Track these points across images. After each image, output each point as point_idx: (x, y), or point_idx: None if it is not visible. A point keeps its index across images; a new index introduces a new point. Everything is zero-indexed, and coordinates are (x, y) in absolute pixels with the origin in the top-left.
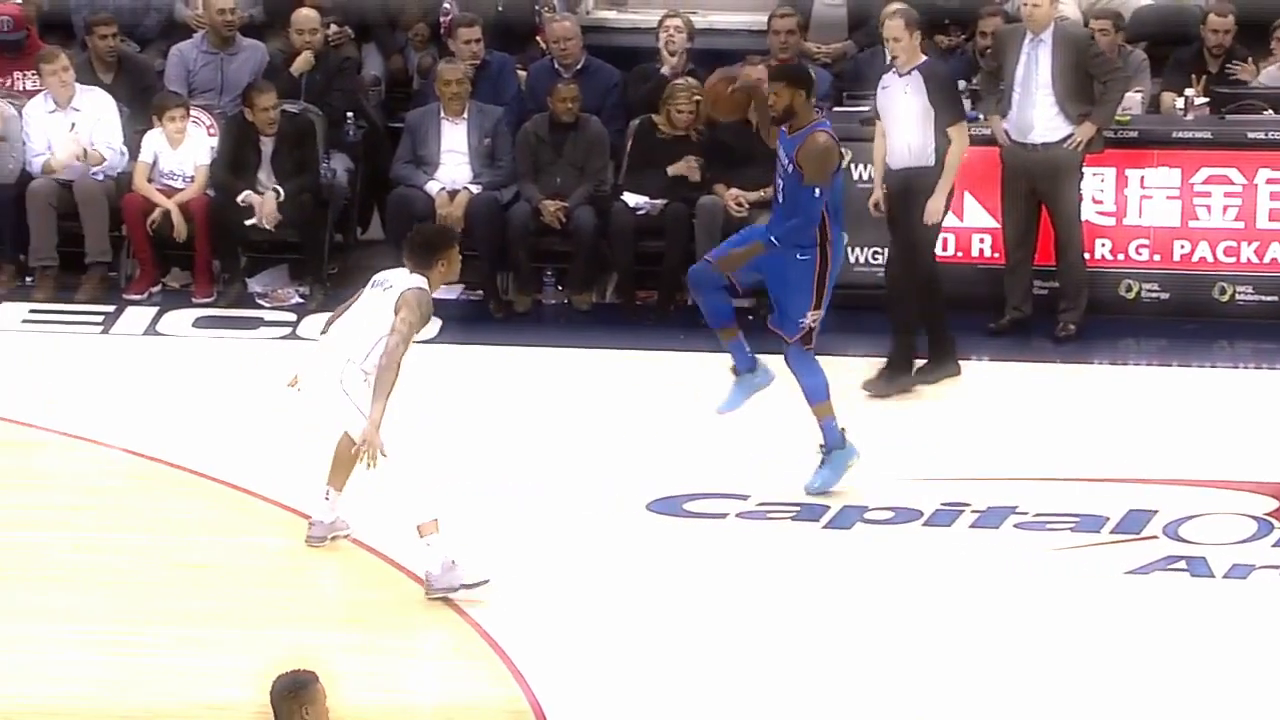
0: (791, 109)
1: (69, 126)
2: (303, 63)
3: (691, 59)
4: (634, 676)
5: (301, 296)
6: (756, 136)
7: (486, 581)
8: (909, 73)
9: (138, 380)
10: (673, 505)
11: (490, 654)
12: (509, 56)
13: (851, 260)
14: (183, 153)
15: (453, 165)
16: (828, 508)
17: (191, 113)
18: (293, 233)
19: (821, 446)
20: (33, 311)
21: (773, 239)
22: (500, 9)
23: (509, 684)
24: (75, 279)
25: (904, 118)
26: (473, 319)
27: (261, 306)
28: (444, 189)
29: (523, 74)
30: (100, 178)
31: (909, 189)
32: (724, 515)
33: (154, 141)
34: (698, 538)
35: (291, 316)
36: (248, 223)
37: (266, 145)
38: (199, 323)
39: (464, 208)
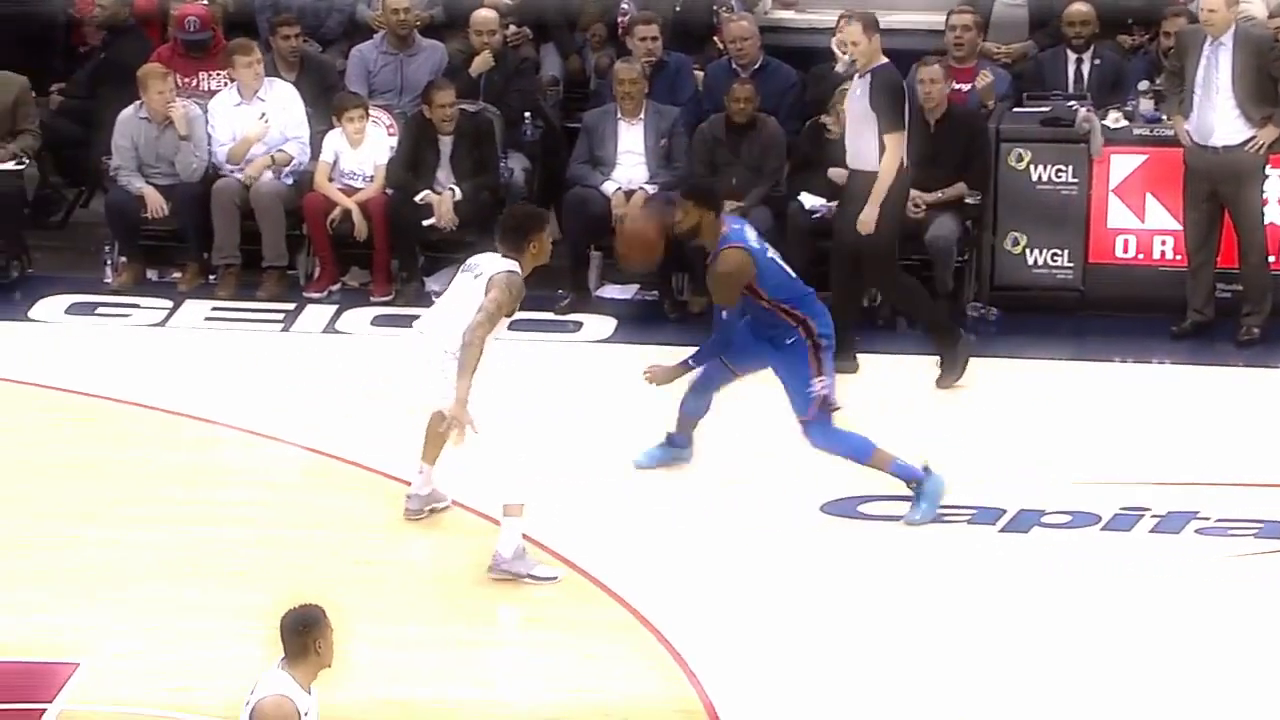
0: (697, 228)
1: (258, 116)
2: (481, 63)
3: None
4: (806, 680)
5: None
6: (933, 135)
7: (556, 579)
8: (864, 75)
9: (317, 377)
10: (847, 507)
11: (663, 654)
12: (686, 57)
13: (1030, 262)
14: (362, 152)
15: (629, 165)
16: (1004, 511)
17: (371, 113)
18: (470, 232)
19: (910, 484)
20: (215, 309)
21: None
22: (678, 9)
23: (682, 684)
24: (257, 277)
25: (854, 120)
26: (647, 318)
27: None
28: (620, 189)
29: (700, 74)
30: (290, 180)
31: (853, 193)
32: (899, 518)
33: (334, 141)
34: (872, 540)
35: None
36: (425, 223)
37: (445, 144)
38: (377, 321)
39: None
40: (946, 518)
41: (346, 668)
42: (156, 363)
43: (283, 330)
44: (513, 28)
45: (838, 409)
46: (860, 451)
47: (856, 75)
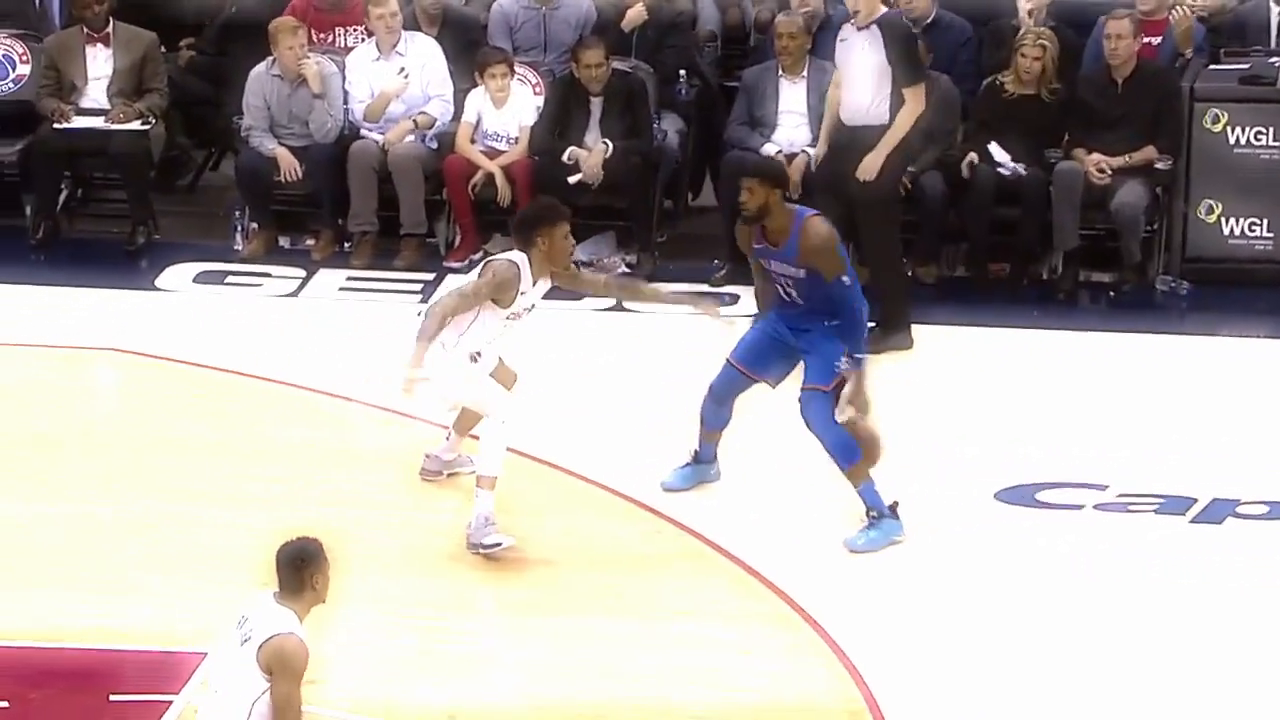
0: (766, 208)
1: (397, 71)
2: (634, 17)
3: (1052, 15)
4: (977, 677)
5: (629, 266)
6: (1121, 95)
7: (500, 545)
8: (868, 27)
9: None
10: (1024, 495)
11: (827, 652)
12: None
13: (1225, 232)
14: (507, 113)
15: (790, 127)
16: (1194, 500)
17: (517, 70)
18: (620, 198)
19: (869, 512)
20: (350, 279)
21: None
22: None
23: (846, 683)
24: (395, 245)
25: (861, 74)
26: None
27: None
28: (781, 151)
29: None
30: (432, 144)
31: (857, 148)
32: (1080, 506)
33: (477, 101)
34: (1051, 530)
35: None
36: (572, 180)
37: (595, 106)
38: None
39: (801, 172)
40: (1132, 507)
41: (491, 663)
42: (288, 335)
43: (422, 301)
44: None
45: (769, 382)
46: (847, 453)
47: (855, 27)
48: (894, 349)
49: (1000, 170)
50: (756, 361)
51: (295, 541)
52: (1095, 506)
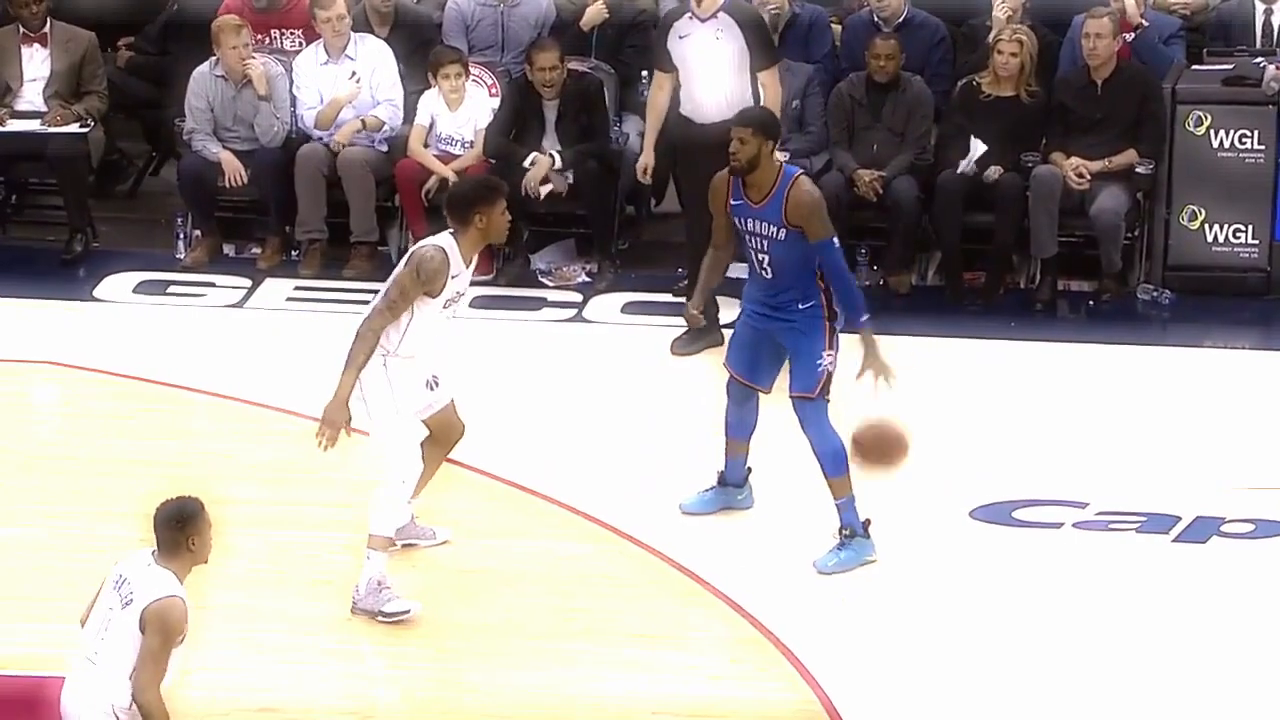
0: (756, 160)
1: (347, 76)
2: (594, 15)
3: (1029, 15)
4: (951, 700)
5: (589, 275)
6: (1099, 99)
7: (408, 613)
8: (713, 16)
9: None
10: (1000, 512)
11: (795, 675)
12: (822, 10)
13: (1209, 239)
14: (461, 115)
15: None
16: (1178, 519)
17: (472, 71)
18: (579, 204)
19: (841, 530)
20: (298, 288)
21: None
22: None
23: (815, 707)
24: (345, 253)
25: (717, 66)
26: None
27: (545, 286)
28: None
29: (838, 29)
30: (384, 148)
31: (710, 147)
32: (1059, 525)
33: (431, 103)
34: (1028, 549)
35: (578, 297)
36: (541, 191)
37: (550, 109)
38: (477, 302)
39: None
40: (1113, 525)
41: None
42: (234, 348)
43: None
44: None
45: (830, 399)
46: (836, 462)
47: (698, 19)
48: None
49: (967, 171)
50: (749, 368)
51: (174, 501)
52: (1075, 525)
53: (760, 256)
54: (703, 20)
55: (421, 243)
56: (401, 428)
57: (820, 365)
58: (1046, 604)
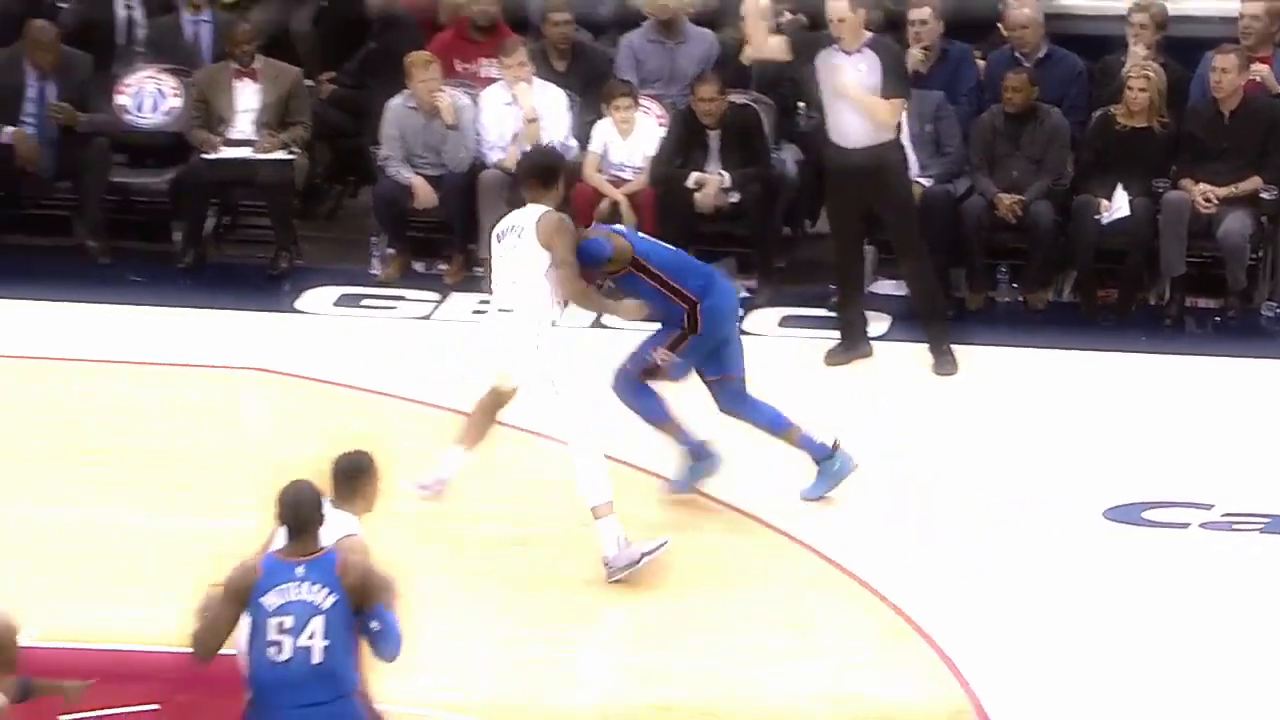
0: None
1: (526, 117)
2: (752, 53)
3: (1161, 51)
4: (1085, 692)
5: (749, 291)
6: (1228, 129)
7: (665, 543)
8: (859, 51)
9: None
10: (1131, 513)
11: (939, 664)
12: (968, 46)
13: None
14: (631, 143)
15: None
16: None
17: (641, 102)
18: (740, 225)
19: (816, 460)
20: (482, 302)
21: None
22: None
23: (957, 695)
24: None
25: (863, 90)
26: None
27: None
28: None
29: (982, 64)
30: None
31: (884, 164)
32: (1185, 525)
33: (603, 132)
34: (1157, 548)
35: (739, 311)
36: (696, 196)
37: (713, 138)
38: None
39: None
40: (1238, 525)
41: (620, 671)
42: (423, 356)
43: (551, 325)
44: (787, 15)
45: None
46: (776, 423)
47: (844, 52)
48: (941, 373)
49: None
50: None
51: (350, 453)
52: (1201, 525)
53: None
54: (848, 54)
55: (531, 218)
56: (580, 393)
57: (648, 358)
58: (1176, 601)
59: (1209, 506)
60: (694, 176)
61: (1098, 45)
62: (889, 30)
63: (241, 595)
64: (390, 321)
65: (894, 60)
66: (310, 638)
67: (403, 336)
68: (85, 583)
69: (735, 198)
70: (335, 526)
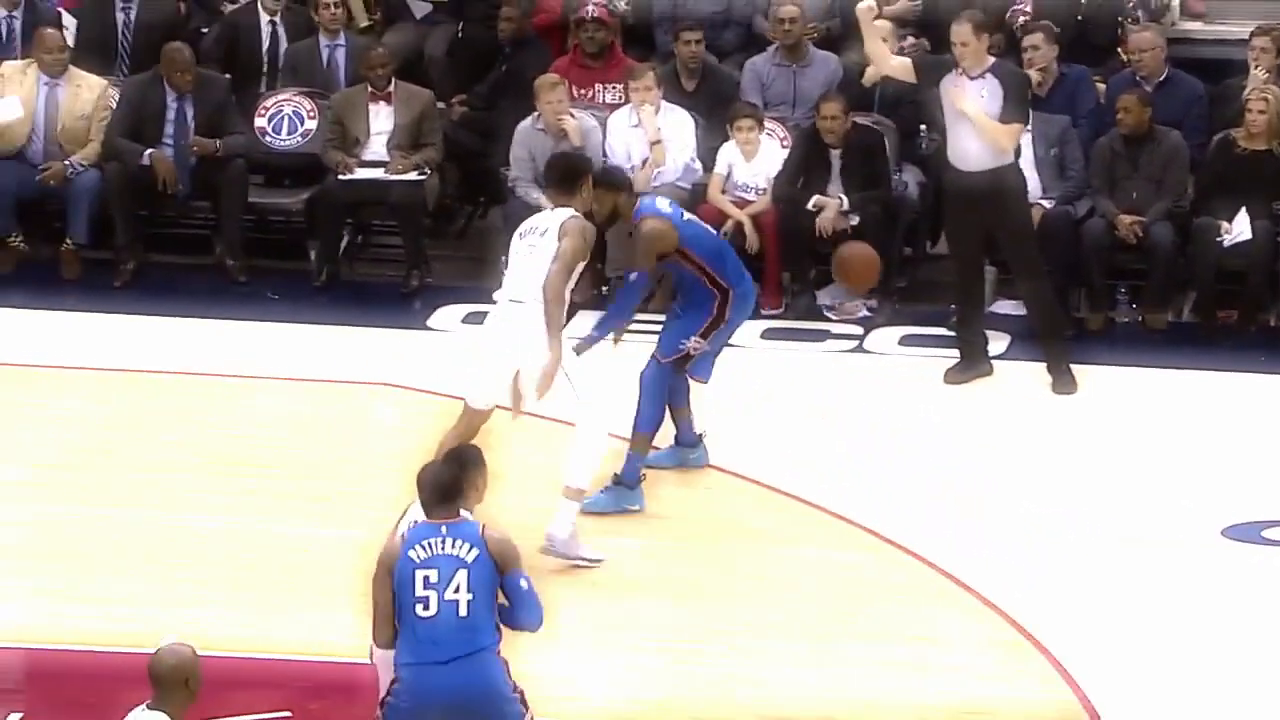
0: (616, 212)
1: (652, 140)
2: (873, 73)
3: None
4: (1205, 710)
5: (869, 310)
6: None
7: (601, 561)
8: (981, 75)
9: (707, 390)
10: (1251, 532)
11: (1060, 681)
12: (1085, 69)
13: None
14: (755, 164)
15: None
16: None
17: (765, 125)
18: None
19: (616, 475)
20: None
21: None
22: (1080, 18)
23: (1078, 712)
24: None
25: (986, 115)
26: None
27: (829, 319)
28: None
29: (1102, 87)
30: (686, 186)
31: (1003, 187)
32: None
33: (728, 153)
34: (1276, 566)
35: (859, 330)
36: (817, 219)
37: (835, 158)
38: (767, 334)
39: (1036, 223)
40: None
41: (740, 681)
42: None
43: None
44: (910, 38)
45: (680, 373)
46: (648, 423)
47: (964, 76)
48: (1060, 391)
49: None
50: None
51: (458, 448)
52: None
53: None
54: (971, 78)
55: (559, 219)
56: (593, 383)
57: (684, 343)
58: None
59: None
60: (814, 200)
61: (1219, 69)
62: (1009, 53)
63: (391, 564)
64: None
65: (1016, 86)
66: (456, 591)
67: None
68: (241, 590)
69: (854, 220)
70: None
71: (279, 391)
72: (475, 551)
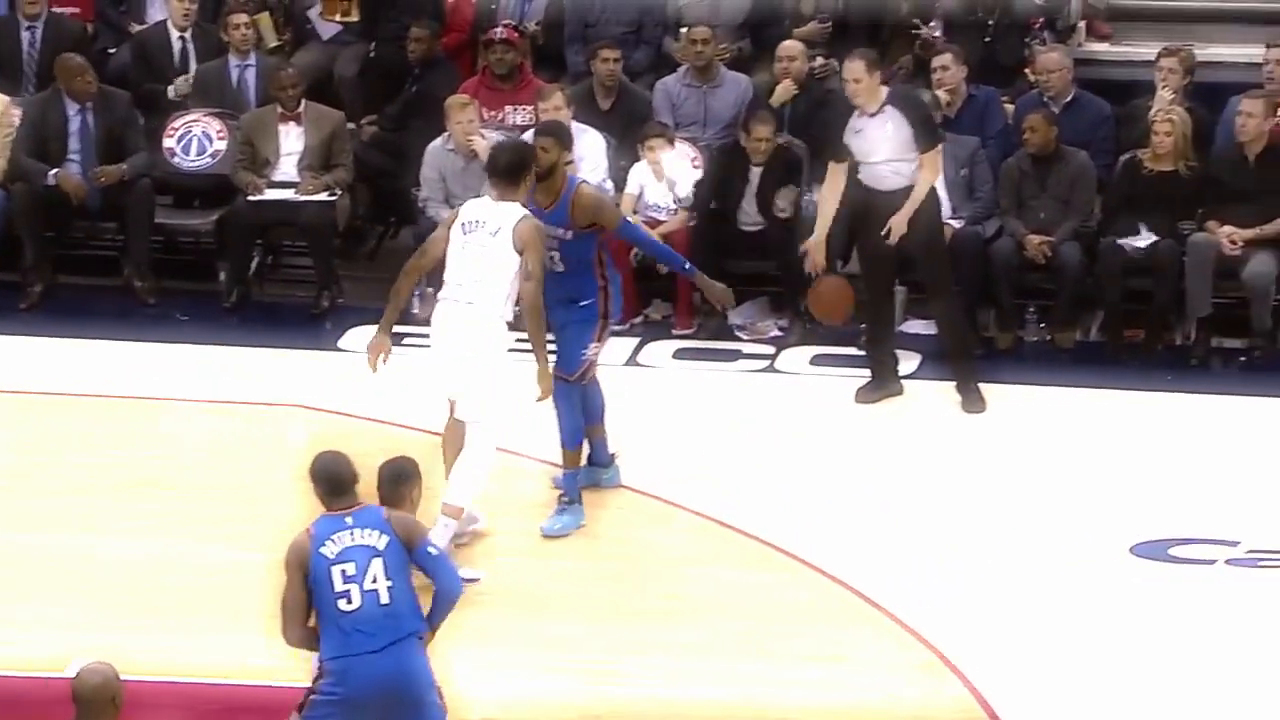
0: (555, 167)
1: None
2: (782, 93)
3: (1189, 96)
4: None
5: (781, 330)
6: (1253, 172)
7: (477, 580)
8: (880, 110)
9: (617, 411)
10: (1159, 549)
11: (969, 698)
12: (994, 90)
13: None
14: (666, 185)
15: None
16: None
17: (676, 145)
18: (773, 266)
19: (562, 497)
20: (520, 340)
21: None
22: (988, 40)
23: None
24: None
25: (891, 150)
26: None
27: (741, 339)
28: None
29: (1010, 107)
30: None
31: (884, 210)
32: (1212, 561)
33: (639, 174)
34: (1183, 584)
35: (770, 350)
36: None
37: (754, 175)
38: (679, 354)
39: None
40: (1264, 562)
41: (630, 698)
42: None
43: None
44: (820, 59)
45: (589, 381)
46: (574, 439)
47: (867, 116)
48: (969, 410)
49: (1133, 245)
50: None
51: (394, 460)
52: (1227, 561)
53: (552, 254)
54: (872, 115)
55: (511, 220)
56: (510, 404)
57: (584, 355)
58: (1202, 637)
59: (1235, 543)
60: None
61: (1125, 90)
62: (918, 74)
63: (302, 561)
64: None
65: (919, 111)
66: (374, 581)
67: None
68: (152, 614)
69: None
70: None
71: (189, 413)
72: (385, 538)
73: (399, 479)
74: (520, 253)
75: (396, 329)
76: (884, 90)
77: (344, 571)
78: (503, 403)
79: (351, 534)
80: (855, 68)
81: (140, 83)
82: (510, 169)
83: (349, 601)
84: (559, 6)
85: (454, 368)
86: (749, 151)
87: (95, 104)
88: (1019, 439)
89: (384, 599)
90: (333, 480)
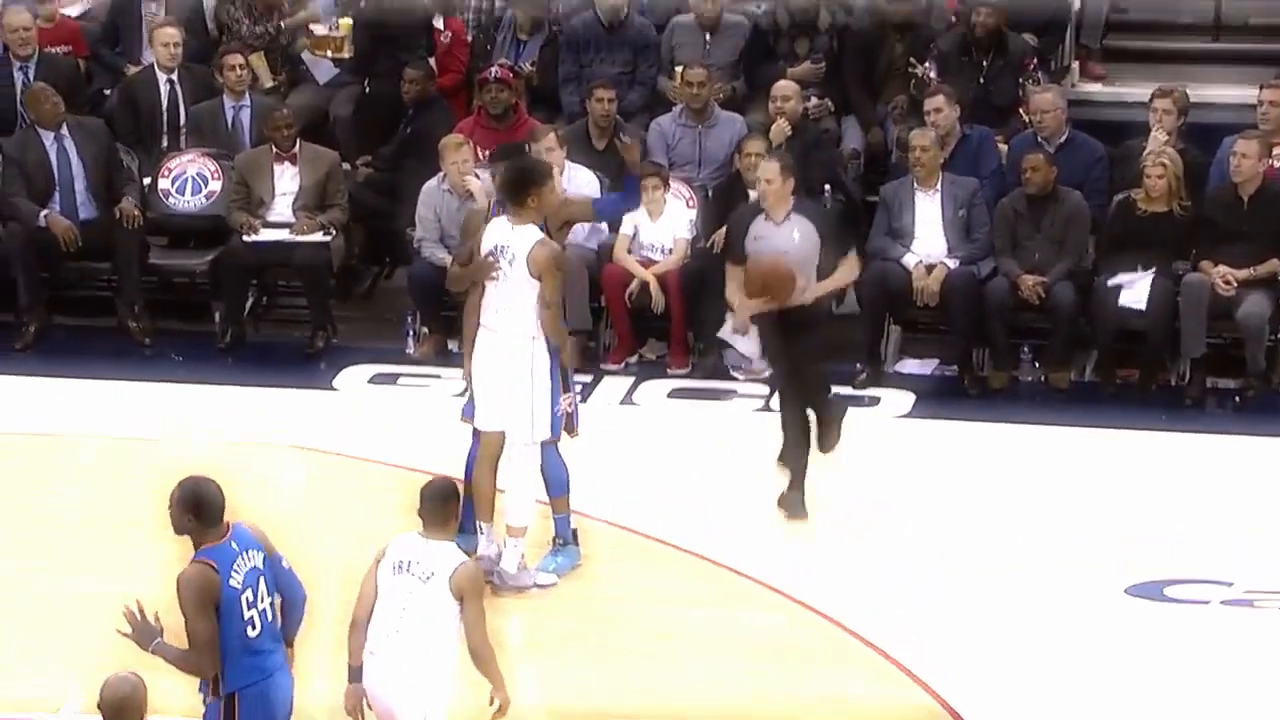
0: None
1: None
2: (777, 133)
3: (1183, 137)
4: None
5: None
6: (1247, 213)
7: (555, 583)
8: (787, 219)
9: (612, 450)
10: (1153, 589)
11: None
12: (988, 130)
13: None
14: (661, 225)
15: (928, 238)
16: None
17: (671, 184)
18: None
19: (556, 539)
20: None
21: None
22: (981, 81)
23: None
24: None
25: (800, 259)
26: (947, 395)
27: (735, 379)
28: (920, 262)
29: (1004, 148)
30: (594, 246)
31: (806, 319)
32: (1207, 601)
33: (634, 214)
34: (1178, 624)
35: (764, 389)
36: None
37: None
38: (674, 394)
39: (940, 282)
40: (1258, 603)
41: None
42: (456, 433)
43: (581, 401)
44: (814, 99)
45: (574, 433)
46: (560, 488)
47: (772, 223)
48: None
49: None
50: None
51: (438, 480)
52: (1222, 602)
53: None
54: (778, 224)
55: (526, 245)
56: (546, 428)
57: (558, 411)
58: (1198, 677)
59: (1229, 584)
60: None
61: (1118, 130)
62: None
63: (215, 596)
64: (425, 399)
65: (825, 221)
66: (263, 600)
67: (436, 413)
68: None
69: None
70: (440, 557)
71: (184, 453)
72: (260, 554)
73: (446, 498)
74: (538, 279)
75: (391, 369)
76: (792, 199)
77: (247, 599)
78: (541, 420)
79: (244, 558)
80: (770, 168)
81: (126, 128)
82: (516, 186)
83: (253, 626)
84: (554, 46)
85: (490, 397)
86: (742, 169)
87: (71, 131)
88: (1014, 478)
89: (270, 616)
90: (214, 506)
